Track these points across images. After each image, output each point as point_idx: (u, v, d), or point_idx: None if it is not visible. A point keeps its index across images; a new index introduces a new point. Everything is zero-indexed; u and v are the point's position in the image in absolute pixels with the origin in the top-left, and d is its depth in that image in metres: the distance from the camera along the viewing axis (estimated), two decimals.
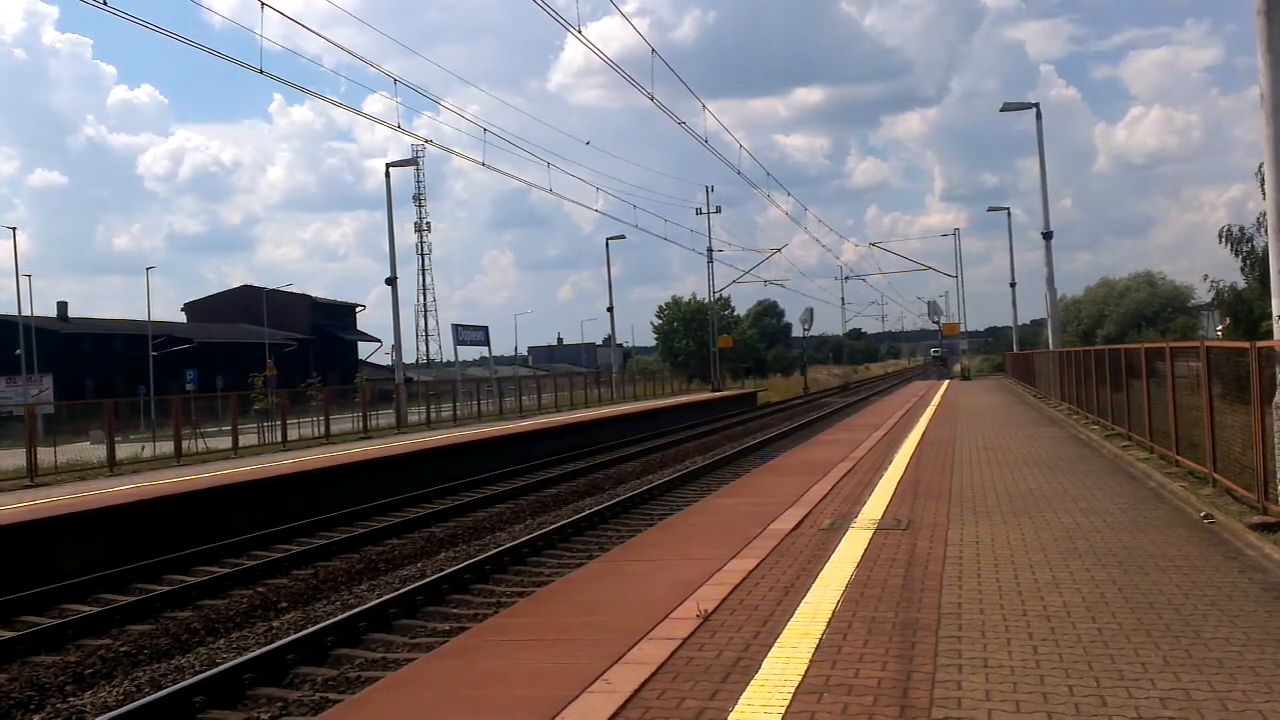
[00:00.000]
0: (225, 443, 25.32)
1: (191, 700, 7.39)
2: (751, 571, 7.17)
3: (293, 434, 27.20)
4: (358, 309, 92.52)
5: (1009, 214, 54.58)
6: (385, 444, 24.06)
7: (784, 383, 76.92)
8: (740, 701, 4.50)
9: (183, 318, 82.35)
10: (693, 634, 5.63)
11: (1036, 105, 32.61)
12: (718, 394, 53.53)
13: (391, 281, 33.82)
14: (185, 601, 11.07)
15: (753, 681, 4.76)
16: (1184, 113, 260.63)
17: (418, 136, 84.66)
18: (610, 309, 55.55)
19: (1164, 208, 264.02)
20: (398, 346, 35.75)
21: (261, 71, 18.92)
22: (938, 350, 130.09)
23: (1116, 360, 16.70)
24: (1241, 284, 34.26)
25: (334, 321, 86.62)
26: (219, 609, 10.53)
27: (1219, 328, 40.28)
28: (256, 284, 79.06)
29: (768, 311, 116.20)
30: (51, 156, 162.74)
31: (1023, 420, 22.06)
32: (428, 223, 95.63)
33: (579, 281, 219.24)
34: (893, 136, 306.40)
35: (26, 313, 50.63)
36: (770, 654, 5.18)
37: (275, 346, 61.12)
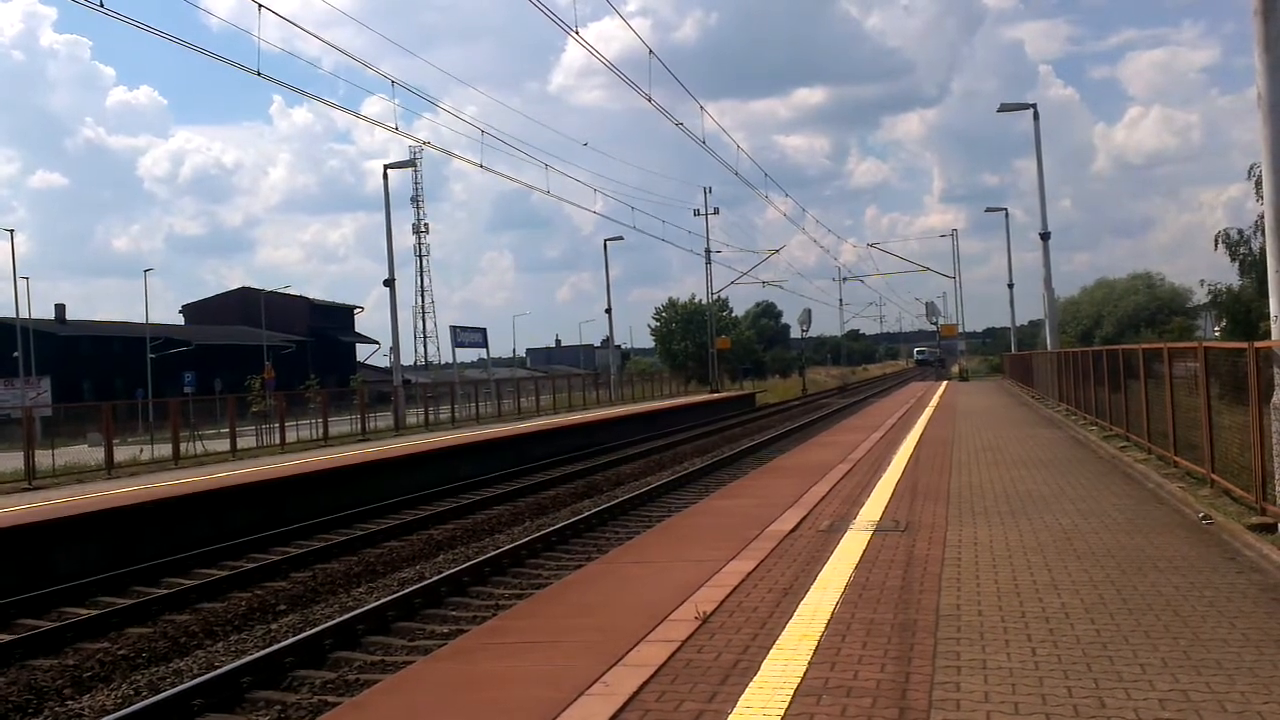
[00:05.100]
0: (223, 445, 25.29)
1: (190, 703, 7.39)
2: (750, 573, 7.17)
3: (291, 436, 27.20)
4: (356, 311, 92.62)
5: (1007, 215, 54.62)
6: (383, 446, 24.05)
7: (782, 384, 76.92)
8: (739, 704, 4.50)
9: (181, 320, 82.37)
10: (691, 636, 5.62)
11: (1034, 106, 32.71)
12: (716, 395, 53.54)
13: (390, 283, 33.84)
14: (183, 605, 11.06)
15: (751, 683, 4.76)
16: (1183, 113, 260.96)
17: (416, 139, 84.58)
18: (609, 310, 55.48)
19: (1163, 208, 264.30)
20: (395, 348, 35.76)
21: (259, 74, 18.93)
22: (924, 351, 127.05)
23: (1114, 361, 16.71)
24: (1238, 285, 34.27)
25: (332, 323, 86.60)
26: (217, 612, 10.52)
27: (1216, 329, 40.31)
28: (255, 286, 79.14)
29: (766, 313, 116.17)
30: (52, 158, 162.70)
31: (1020, 421, 22.07)
32: (426, 224, 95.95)
33: (578, 283, 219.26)
34: (893, 137, 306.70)
35: (24, 315, 50.66)
36: (769, 656, 5.18)
37: (273, 349, 61.09)
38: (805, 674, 4.86)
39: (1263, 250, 12.34)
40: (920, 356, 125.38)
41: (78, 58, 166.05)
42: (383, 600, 10.16)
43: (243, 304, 78.38)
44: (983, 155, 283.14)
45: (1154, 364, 13.59)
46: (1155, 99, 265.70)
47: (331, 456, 21.26)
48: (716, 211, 72.20)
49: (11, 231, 51.91)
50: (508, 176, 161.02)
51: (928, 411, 25.94)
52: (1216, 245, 33.59)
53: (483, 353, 69.68)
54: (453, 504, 17.73)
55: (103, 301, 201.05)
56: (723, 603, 6.33)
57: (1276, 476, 8.11)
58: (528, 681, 5.04)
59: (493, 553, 12.50)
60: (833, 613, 5.97)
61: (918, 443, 16.91)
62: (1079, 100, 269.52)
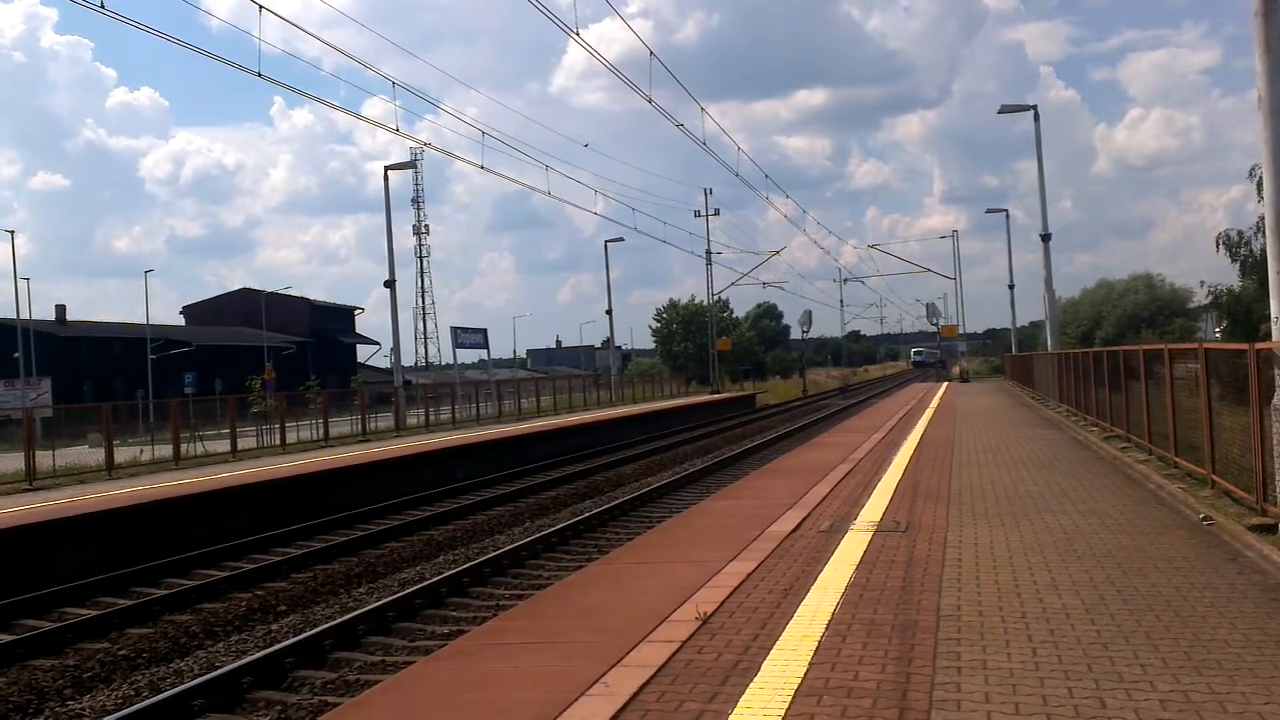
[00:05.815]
0: (224, 446, 25.30)
1: (190, 704, 7.39)
2: (751, 574, 7.17)
3: (291, 437, 27.22)
4: (356, 312, 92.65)
5: (1007, 216, 54.67)
6: (384, 447, 24.05)
7: (783, 385, 76.90)
8: (739, 704, 4.50)
9: (181, 321, 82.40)
10: (692, 636, 5.62)
11: (1034, 107, 32.72)
12: (717, 396, 53.54)
13: (390, 284, 33.86)
14: (184, 605, 11.07)
15: (752, 684, 4.76)
16: (1184, 114, 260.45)
17: (418, 140, 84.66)
18: (609, 311, 55.50)
19: (1163, 209, 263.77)
20: (396, 349, 35.80)
21: (259, 74, 18.94)
22: (920, 351, 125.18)
23: (1115, 362, 16.71)
24: (1238, 286, 34.28)
25: (333, 324, 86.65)
26: (218, 612, 10.52)
27: (1217, 330, 40.32)
28: (256, 287, 79.17)
29: (767, 314, 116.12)
30: (53, 159, 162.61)
31: (1021, 422, 22.06)
32: (426, 225, 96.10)
33: (578, 284, 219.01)
34: (893, 139, 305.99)
35: (25, 315, 50.69)
36: (769, 656, 5.18)
37: (274, 349, 61.13)
38: (806, 674, 4.86)
39: (1263, 251, 12.36)
40: (917, 358, 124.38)
41: (79, 59, 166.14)
42: (383, 601, 10.15)
43: (243, 305, 78.41)
44: (983, 157, 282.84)
45: (1155, 365, 13.59)
46: (1156, 100, 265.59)
47: (332, 457, 21.26)
48: (717, 213, 72.31)
49: (12, 233, 51.98)
50: (509, 178, 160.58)
51: (928, 413, 25.94)
52: (1217, 246, 33.65)
53: (483, 354, 69.70)
54: (453, 505, 17.73)
55: (104, 303, 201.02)
56: (723, 603, 6.33)
57: (1277, 478, 8.11)
58: (528, 682, 5.04)
59: (493, 553, 12.50)
60: (833, 613, 5.96)
61: (918, 444, 16.90)
62: (1079, 102, 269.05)
